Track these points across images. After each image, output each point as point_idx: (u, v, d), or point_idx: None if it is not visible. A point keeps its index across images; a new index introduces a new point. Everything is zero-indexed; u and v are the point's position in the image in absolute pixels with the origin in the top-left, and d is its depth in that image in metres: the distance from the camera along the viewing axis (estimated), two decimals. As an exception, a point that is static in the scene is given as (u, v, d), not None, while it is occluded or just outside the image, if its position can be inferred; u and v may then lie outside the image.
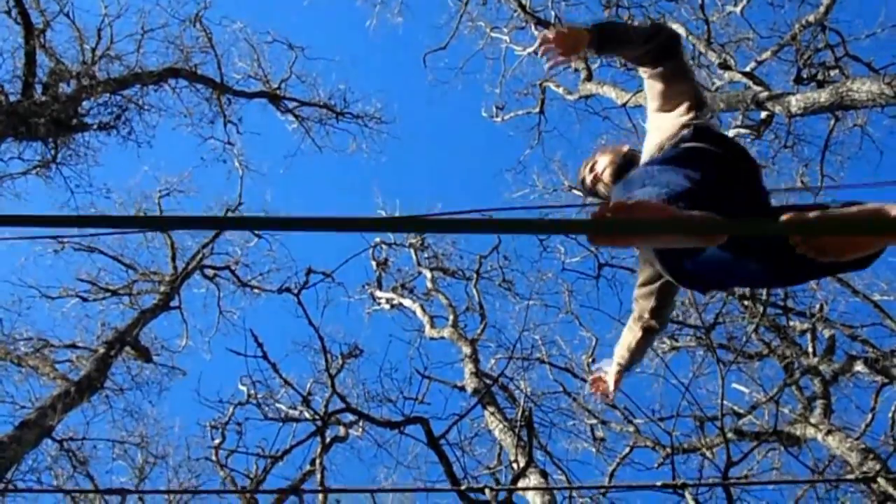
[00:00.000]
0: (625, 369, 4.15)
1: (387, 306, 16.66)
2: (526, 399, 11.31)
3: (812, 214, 2.57)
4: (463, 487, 5.70)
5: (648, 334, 3.98)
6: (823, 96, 11.22)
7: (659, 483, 4.84)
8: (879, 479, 6.50)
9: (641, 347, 4.05)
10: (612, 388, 4.16)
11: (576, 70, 15.96)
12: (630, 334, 4.03)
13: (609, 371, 4.17)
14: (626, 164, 3.75)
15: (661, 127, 3.54)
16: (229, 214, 16.38)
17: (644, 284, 3.90)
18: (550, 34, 3.44)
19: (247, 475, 12.20)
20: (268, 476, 11.89)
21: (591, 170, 3.89)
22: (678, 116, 3.53)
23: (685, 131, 3.42)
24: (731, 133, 14.07)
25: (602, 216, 2.42)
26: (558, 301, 14.86)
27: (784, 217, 2.43)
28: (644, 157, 3.55)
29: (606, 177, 3.81)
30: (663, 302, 3.88)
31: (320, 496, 10.09)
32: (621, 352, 4.09)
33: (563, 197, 16.01)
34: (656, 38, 3.53)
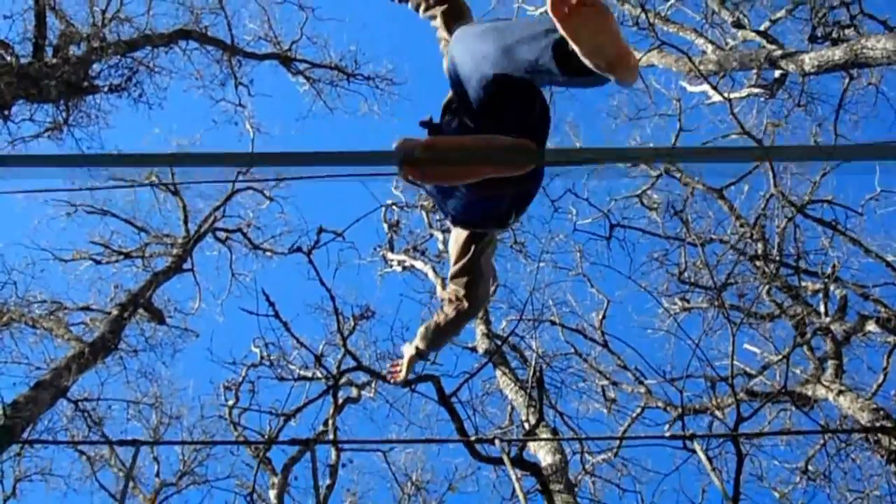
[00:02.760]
0: (423, 352, 4.12)
1: (398, 268, 16.69)
2: (537, 359, 11.34)
3: (424, 140, 2.53)
4: (472, 439, 5.74)
5: (459, 316, 3.87)
6: (838, 54, 11.13)
7: (667, 434, 4.85)
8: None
9: (449, 330, 3.95)
10: (403, 372, 4.15)
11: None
12: (439, 315, 3.95)
13: (406, 354, 4.15)
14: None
15: None
16: (240, 178, 16.40)
17: (455, 263, 3.82)
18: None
19: (259, 433, 12.32)
20: (280, 434, 12.00)
21: None
22: None
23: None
24: (744, 92, 14.00)
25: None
26: (569, 262, 14.85)
27: (395, 142, 2.40)
28: None
29: None
30: (472, 279, 3.78)
31: (333, 453, 10.22)
32: (424, 332, 4.02)
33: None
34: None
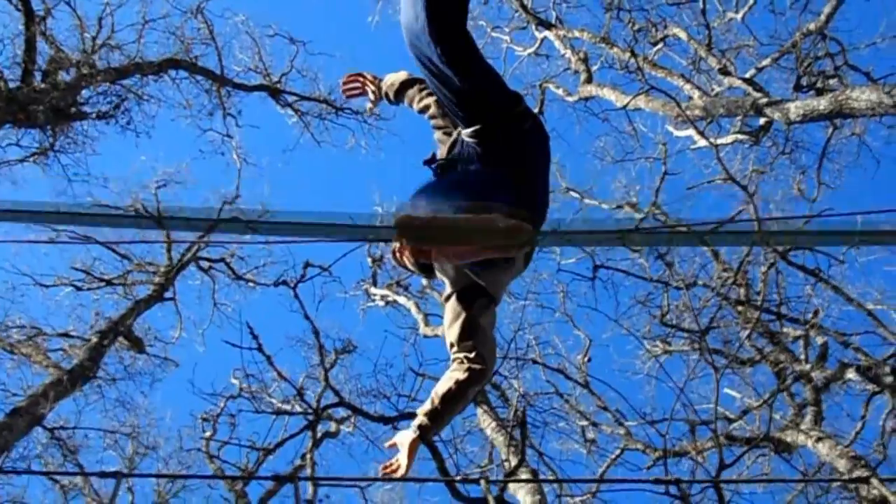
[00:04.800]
0: (431, 432, 3.59)
1: (381, 303, 16.66)
2: (519, 399, 11.32)
3: (424, 218, 2.54)
4: (458, 478, 5.71)
5: (474, 378, 3.53)
6: (822, 104, 11.27)
7: (652, 478, 4.86)
8: (873, 480, 6.54)
9: (464, 394, 3.56)
10: (405, 463, 3.51)
11: (575, 72, 16.01)
12: (449, 380, 3.56)
13: (403, 443, 3.55)
14: None
15: None
16: (226, 207, 16.38)
17: (455, 334, 3.60)
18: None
19: (237, 467, 12.20)
20: (259, 469, 11.90)
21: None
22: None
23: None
24: (729, 138, 14.14)
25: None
26: (553, 302, 14.86)
27: (397, 216, 2.40)
28: None
29: None
30: (480, 338, 3.57)
31: (310, 488, 10.11)
32: (431, 407, 3.55)
33: (559, 199, 16.04)
34: None
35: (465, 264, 3.17)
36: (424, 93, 3.82)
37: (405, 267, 3.62)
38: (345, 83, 4.12)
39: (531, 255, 3.55)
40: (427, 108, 3.79)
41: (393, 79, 3.97)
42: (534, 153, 3.46)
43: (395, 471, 3.51)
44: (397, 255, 3.54)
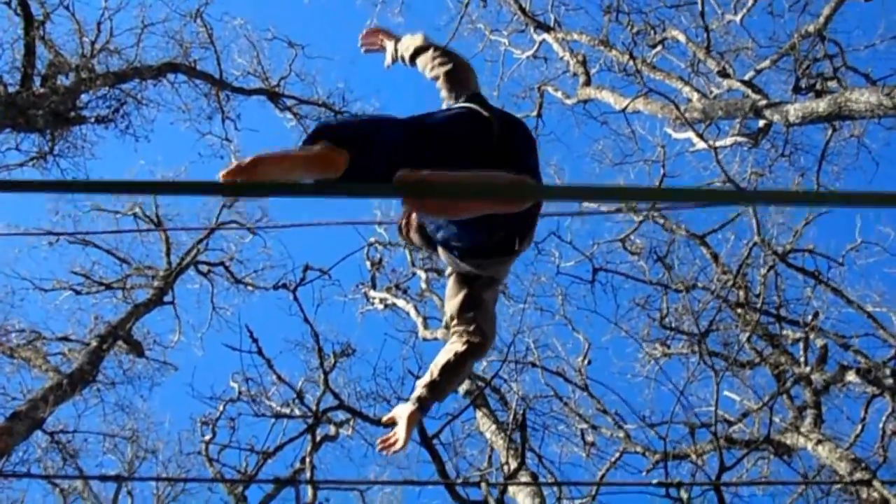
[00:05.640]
0: (429, 403, 3.54)
1: (380, 306, 16.65)
2: (518, 402, 11.32)
3: (424, 173, 2.52)
4: (458, 481, 5.71)
5: (472, 350, 3.54)
6: (822, 106, 11.26)
7: (654, 481, 4.86)
8: (874, 483, 6.54)
9: (462, 366, 3.54)
10: (403, 436, 3.41)
11: (574, 75, 16.01)
12: (448, 352, 3.54)
13: (401, 415, 3.46)
14: None
15: None
16: (224, 210, 16.41)
17: (454, 297, 3.63)
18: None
19: (237, 470, 12.20)
20: (259, 473, 11.89)
21: None
22: None
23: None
24: (728, 140, 14.14)
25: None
26: (552, 305, 14.86)
27: (398, 174, 2.40)
28: None
29: None
30: (482, 311, 3.58)
31: (310, 491, 10.10)
32: (429, 379, 3.51)
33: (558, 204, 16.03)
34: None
35: (465, 222, 3.16)
36: (437, 61, 3.81)
37: (410, 241, 3.67)
38: (363, 38, 4.12)
39: (533, 233, 3.51)
40: (437, 78, 3.80)
41: (409, 42, 3.97)
42: (519, 147, 3.43)
43: (393, 444, 3.42)
44: (403, 229, 3.58)
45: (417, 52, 3.92)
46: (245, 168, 2.65)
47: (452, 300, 3.63)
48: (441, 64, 3.79)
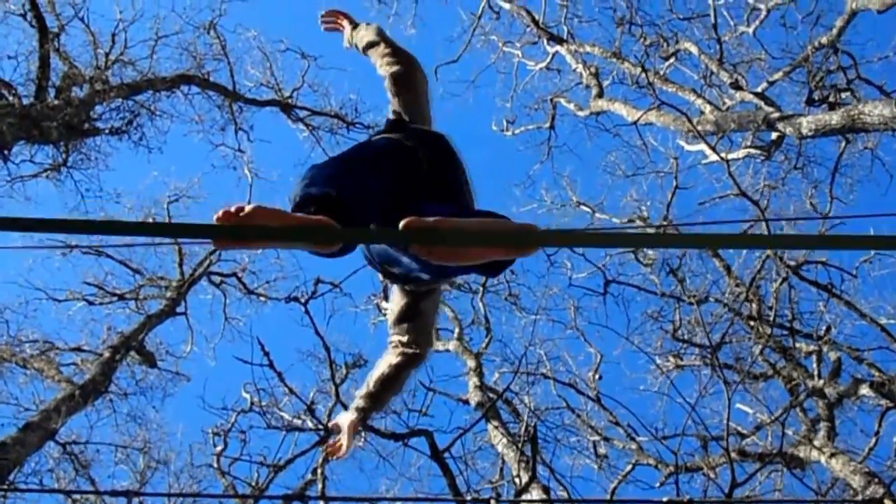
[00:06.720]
0: (368, 413, 3.68)
1: (392, 317, 16.63)
2: (529, 414, 11.28)
3: (430, 220, 2.50)
4: (468, 499, 5.69)
5: (408, 361, 3.64)
6: (835, 119, 11.23)
7: (665, 499, 4.83)
8: (886, 501, 6.49)
9: (398, 378, 3.66)
10: (346, 443, 3.59)
11: (587, 87, 16.02)
12: (384, 364, 3.66)
13: (344, 423, 3.62)
14: None
15: None
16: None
17: (396, 313, 3.68)
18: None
19: (248, 483, 12.19)
20: (270, 485, 11.89)
21: None
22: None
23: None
24: (741, 153, 14.11)
25: (227, 219, 2.37)
26: (564, 317, 14.84)
27: (404, 221, 2.41)
28: None
29: None
30: (418, 323, 3.64)
31: (322, 505, 10.11)
32: (367, 390, 3.65)
33: (571, 212, 16.06)
34: None
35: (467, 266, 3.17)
36: (386, 60, 3.79)
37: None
38: (323, 17, 4.12)
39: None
40: (384, 77, 3.78)
41: (363, 33, 3.96)
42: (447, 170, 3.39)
43: (337, 450, 3.60)
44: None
45: (369, 45, 3.91)
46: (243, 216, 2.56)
47: (392, 309, 3.69)
48: (389, 64, 3.76)
